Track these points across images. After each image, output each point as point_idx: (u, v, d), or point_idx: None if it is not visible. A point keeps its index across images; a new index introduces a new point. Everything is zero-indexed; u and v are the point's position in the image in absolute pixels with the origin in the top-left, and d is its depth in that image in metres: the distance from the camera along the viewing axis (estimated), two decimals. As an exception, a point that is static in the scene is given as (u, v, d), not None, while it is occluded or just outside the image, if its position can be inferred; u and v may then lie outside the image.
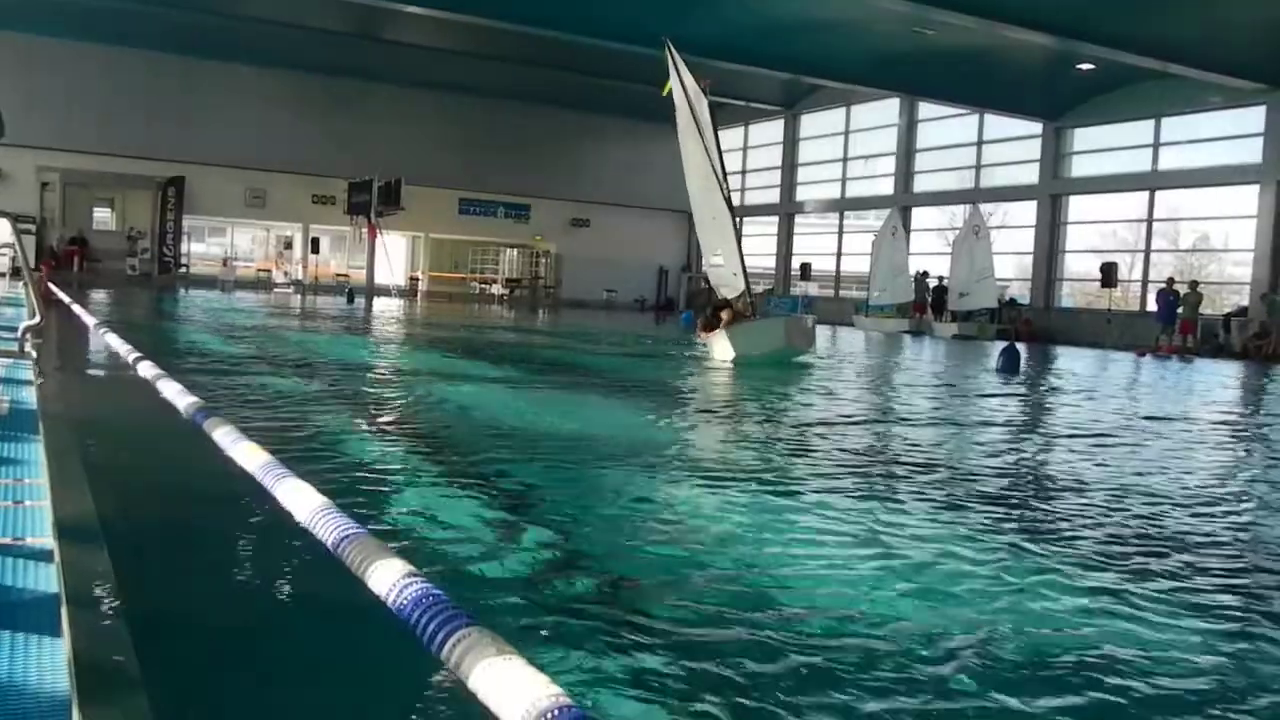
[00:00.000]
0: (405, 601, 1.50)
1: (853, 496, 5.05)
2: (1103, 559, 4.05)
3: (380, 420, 7.13)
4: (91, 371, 8.55)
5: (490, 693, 1.13)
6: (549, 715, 1.05)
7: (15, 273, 11.55)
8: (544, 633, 2.85)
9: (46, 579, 2.29)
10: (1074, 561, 3.98)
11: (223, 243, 41.32)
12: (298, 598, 3.13)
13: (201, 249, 40.33)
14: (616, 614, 3.08)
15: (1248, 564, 4.23)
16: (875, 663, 2.79)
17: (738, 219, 15.75)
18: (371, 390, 9.35)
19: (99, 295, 22.94)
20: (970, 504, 5.04)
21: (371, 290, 35.31)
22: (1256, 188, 26.43)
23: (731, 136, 42.41)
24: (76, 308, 11.07)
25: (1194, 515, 5.11)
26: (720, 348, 14.17)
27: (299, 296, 33.61)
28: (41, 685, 1.77)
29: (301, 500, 2.16)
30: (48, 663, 1.84)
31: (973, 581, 3.62)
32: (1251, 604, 3.60)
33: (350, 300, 30.14)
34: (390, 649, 2.21)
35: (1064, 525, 4.66)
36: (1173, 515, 5.05)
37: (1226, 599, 3.64)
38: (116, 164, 34.18)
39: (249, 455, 2.68)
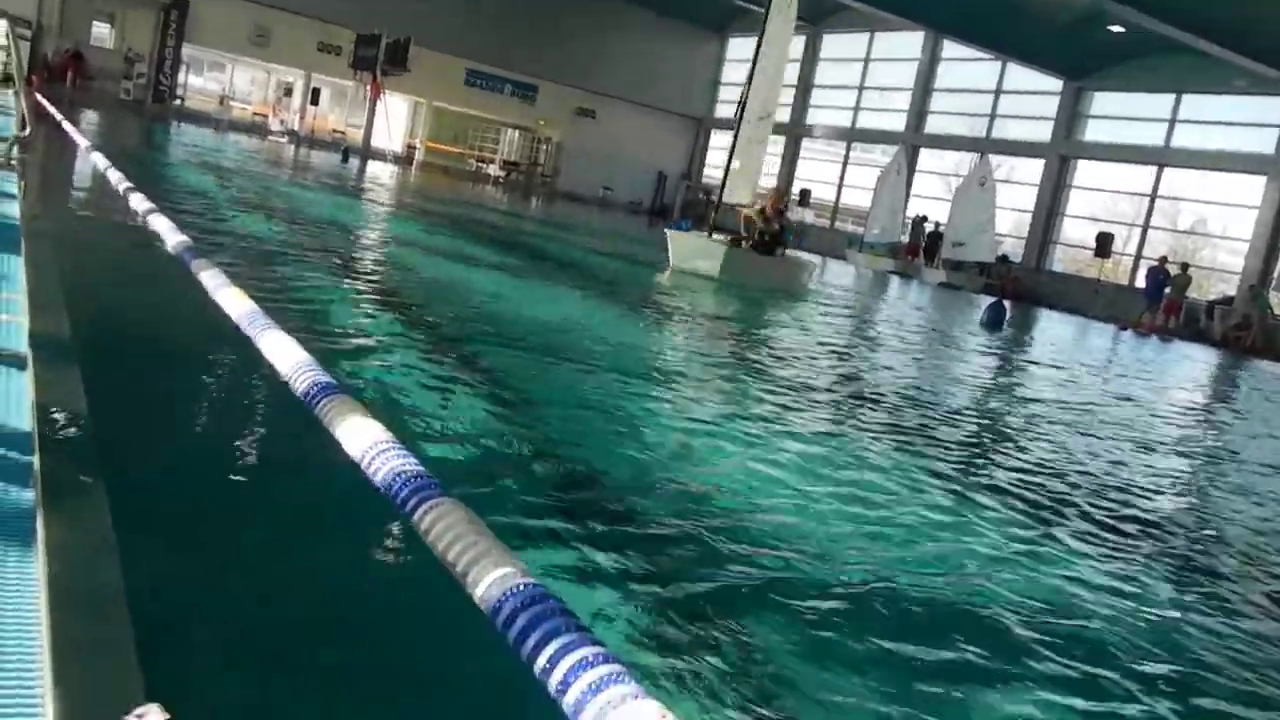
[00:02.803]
0: (379, 465, 1.52)
1: (810, 426, 5.12)
2: (1030, 511, 4.15)
3: (365, 287, 7.10)
4: (77, 192, 8.41)
5: (459, 563, 1.16)
6: (515, 588, 1.08)
7: (6, 80, 11.23)
8: (504, 513, 2.90)
9: (19, 391, 2.30)
10: (1004, 510, 4.07)
11: (221, 79, 40.32)
12: (267, 444, 3.16)
13: (199, 82, 39.33)
14: (573, 503, 3.13)
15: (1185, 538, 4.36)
16: (795, 571, 2.86)
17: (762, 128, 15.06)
18: (359, 255, 9.28)
19: (90, 115, 22.45)
20: (925, 448, 5.12)
21: (367, 152, 34.72)
22: (1264, 179, 26.35)
23: (751, 44, 41.56)
24: (68, 125, 10.85)
25: (1124, 490, 5.23)
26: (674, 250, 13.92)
27: (293, 148, 33.02)
28: (7, 494, 1.79)
29: (283, 352, 2.17)
30: (15, 474, 1.86)
31: (904, 516, 3.71)
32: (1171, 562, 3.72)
33: (345, 159, 29.69)
34: (358, 508, 2.24)
35: (1003, 475, 4.75)
36: (1103, 481, 5.16)
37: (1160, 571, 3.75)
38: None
39: (233, 301, 2.68)
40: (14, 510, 1.74)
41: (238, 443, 3.12)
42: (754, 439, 4.50)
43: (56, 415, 2.14)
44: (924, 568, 3.20)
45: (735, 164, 14.32)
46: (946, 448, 5.23)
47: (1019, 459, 5.33)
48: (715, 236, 14.17)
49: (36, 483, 1.84)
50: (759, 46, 14.23)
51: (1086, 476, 5.22)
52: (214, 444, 3.07)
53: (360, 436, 1.64)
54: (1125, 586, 3.44)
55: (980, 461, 5.10)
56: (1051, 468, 5.25)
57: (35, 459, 1.93)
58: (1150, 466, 6.02)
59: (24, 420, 2.12)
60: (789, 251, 15.28)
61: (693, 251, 13.64)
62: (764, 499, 3.63)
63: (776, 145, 40.98)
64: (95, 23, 34.84)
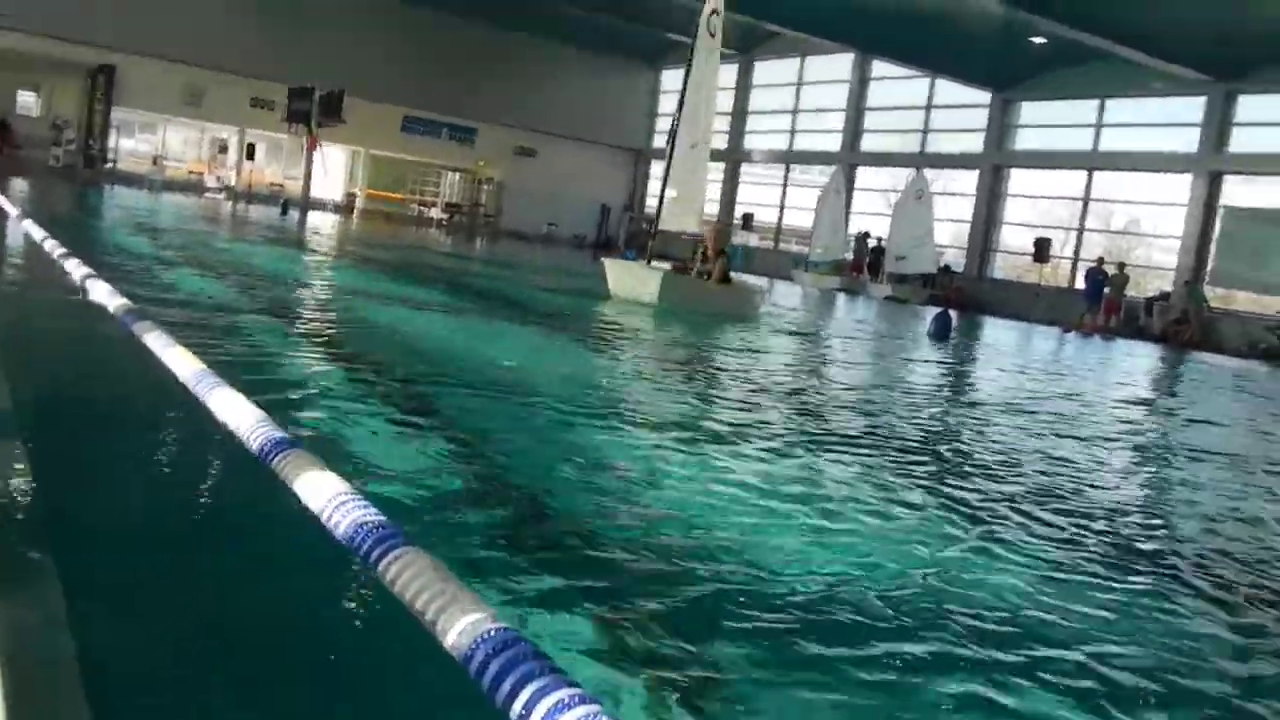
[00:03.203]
0: (340, 518, 1.50)
1: (764, 444, 5.13)
2: (987, 512, 4.19)
3: (313, 338, 7.02)
4: (10, 262, 8.25)
5: (427, 611, 1.14)
6: (486, 634, 1.07)
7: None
8: (469, 556, 2.87)
9: (-39, 471, 2.23)
10: (962, 512, 4.11)
11: (153, 140, 39.89)
12: (225, 506, 3.10)
13: (131, 145, 38.88)
14: (535, 538, 3.10)
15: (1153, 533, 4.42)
16: (759, 588, 2.86)
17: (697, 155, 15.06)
18: (303, 305, 9.19)
19: (20, 184, 22.08)
20: (879, 458, 5.15)
21: (307, 203, 34.49)
22: (1189, 176, 27.07)
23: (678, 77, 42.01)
24: (-4, 195, 10.65)
25: (1083, 482, 5.30)
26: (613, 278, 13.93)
27: (231, 203, 32.71)
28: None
29: (235, 410, 2.13)
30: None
31: (864, 525, 3.72)
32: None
33: (284, 212, 29.45)
34: (322, 562, 2.20)
35: (957, 479, 4.80)
36: (1058, 477, 5.23)
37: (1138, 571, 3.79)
38: (45, 44, 32.56)
39: (180, 361, 2.63)
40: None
41: (192, 505, 3.05)
42: (708, 460, 4.50)
43: (0, 490, 2.08)
44: (887, 575, 3.21)
45: (672, 192, 14.38)
46: (900, 455, 5.27)
47: (973, 461, 5.39)
48: (654, 264, 14.24)
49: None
50: (686, 77, 14.36)
51: (1039, 474, 5.29)
52: (167, 508, 3.01)
53: (319, 490, 1.61)
54: (1077, 577, 3.49)
55: (934, 467, 5.14)
56: (1005, 467, 5.31)
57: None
58: (1100, 460, 6.11)
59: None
60: (737, 277, 15.42)
61: (630, 280, 13.69)
62: (721, 518, 3.63)
63: (716, 172, 41.45)
64: (20, 92, 34.39)
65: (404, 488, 3.44)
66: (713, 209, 41.35)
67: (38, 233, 6.30)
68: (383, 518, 1.43)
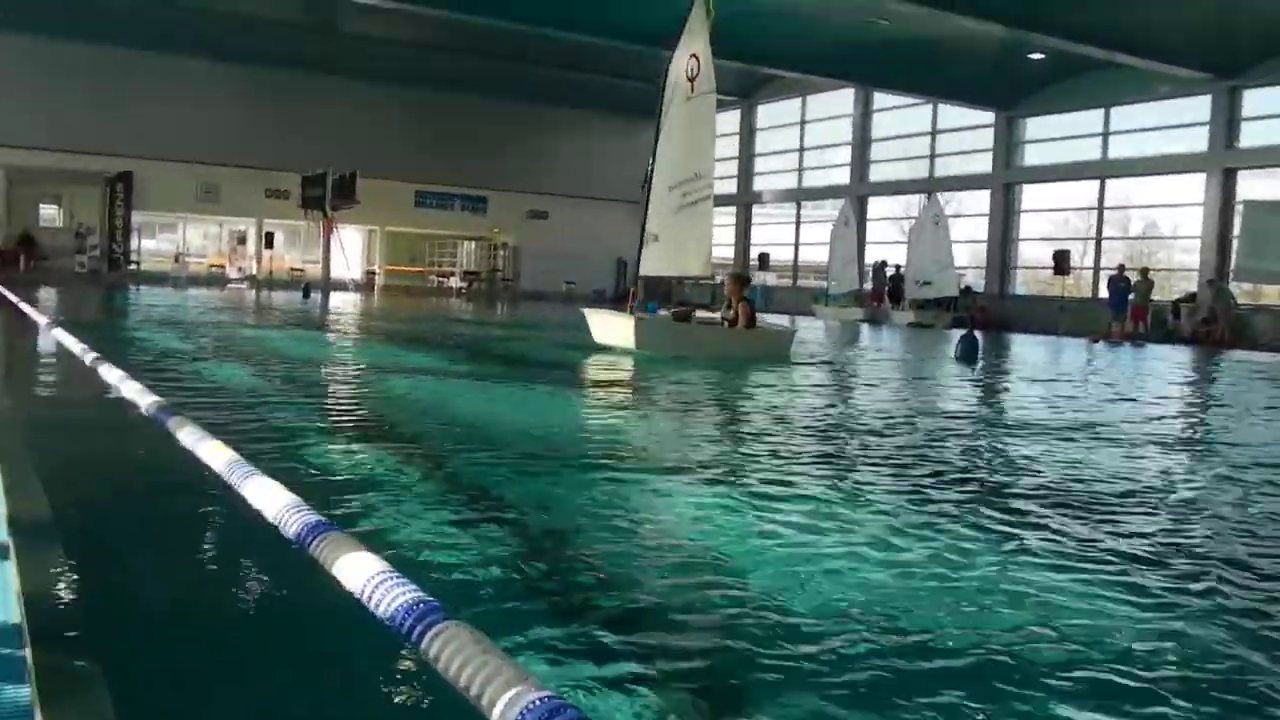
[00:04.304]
0: (380, 597, 1.49)
1: (807, 484, 5.09)
2: (1058, 534, 4.11)
3: (340, 417, 7.06)
4: (42, 370, 8.38)
5: (471, 686, 1.13)
6: (531, 704, 1.05)
7: (-40, 271, 11.35)
8: (513, 626, 2.84)
9: (4, 582, 2.25)
10: (1030, 536, 4.03)
11: (174, 238, 40.67)
12: (267, 596, 3.10)
13: (152, 245, 39.67)
14: (583, 609, 3.08)
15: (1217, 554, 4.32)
16: (824, 646, 2.81)
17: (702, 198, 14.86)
18: (331, 387, 9.26)
19: (47, 294, 22.49)
20: (929, 489, 5.09)
21: (328, 285, 34.92)
22: (1203, 175, 26.94)
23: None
24: (25, 307, 10.85)
25: (1138, 503, 5.21)
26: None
27: (254, 292, 33.16)
28: (1, 693, 1.73)
29: (270, 498, 2.13)
30: (8, 671, 1.81)
31: (927, 563, 3.66)
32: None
33: (306, 296, 29.79)
34: (366, 645, 2.19)
35: (1020, 501, 4.72)
36: (1117, 502, 5.13)
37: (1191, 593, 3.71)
38: (63, 159, 33.46)
39: (213, 453, 2.65)
40: (10, 708, 1.68)
41: (236, 599, 3.05)
42: (752, 507, 4.46)
43: (45, 603, 2.09)
44: (966, 618, 3.13)
45: (655, 235, 14.15)
46: (950, 483, 5.20)
47: (1030, 482, 5.30)
48: (661, 313, 14.23)
49: (30, 677, 1.78)
50: (658, 122, 14.22)
51: (1102, 484, 5.20)
52: (211, 604, 3.01)
53: (357, 570, 1.61)
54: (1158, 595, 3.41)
55: (987, 492, 5.07)
56: (1065, 484, 5.22)
57: (27, 652, 1.87)
58: (1156, 466, 6.01)
59: (11, 613, 2.06)
60: (765, 320, 15.48)
61: (608, 327, 13.71)
62: (768, 569, 3.58)
63: (727, 215, 41.69)
64: (42, 204, 35.26)
65: (445, 566, 3.42)
66: (727, 252, 41.59)
67: (67, 338, 6.40)
68: (421, 594, 1.43)
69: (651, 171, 14.08)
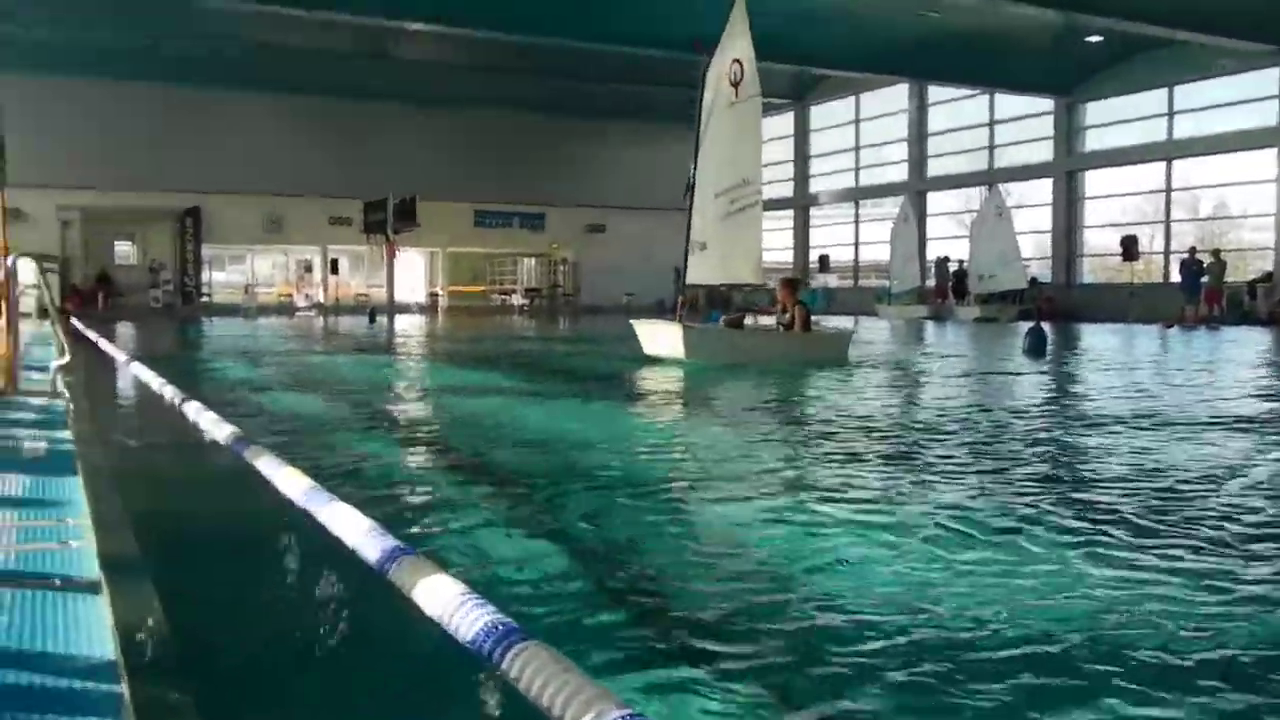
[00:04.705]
0: (460, 620, 1.52)
1: (889, 490, 5.03)
2: (1168, 534, 4.01)
3: (415, 441, 7.16)
4: (123, 405, 8.63)
5: (554, 705, 1.15)
6: (616, 725, 1.06)
7: (43, 312, 11.74)
8: (589, 640, 2.86)
9: (97, 617, 2.31)
10: (1137, 540, 3.94)
11: (243, 269, 41.64)
12: (352, 622, 3.15)
13: (222, 277, 40.67)
14: (665, 627, 3.08)
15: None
16: (914, 650, 2.78)
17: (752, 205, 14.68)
18: (400, 409, 9.39)
19: (125, 329, 23.17)
20: (1023, 490, 5.00)
21: (393, 308, 35.47)
22: (1274, 151, 26.17)
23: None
24: (104, 343, 11.20)
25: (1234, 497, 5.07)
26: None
27: (321, 319, 33.80)
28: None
29: (348, 523, 2.18)
30: (104, 705, 1.86)
31: (1033, 565, 3.60)
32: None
33: (372, 320, 30.27)
34: (451, 666, 2.21)
35: (1126, 503, 4.62)
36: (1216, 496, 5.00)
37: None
38: (135, 198, 34.52)
39: (291, 481, 2.71)
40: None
41: (321, 627, 3.11)
42: (827, 516, 4.42)
43: (138, 638, 2.15)
44: (1094, 622, 3.06)
45: (702, 243, 14.01)
46: (1023, 482, 5.11)
47: (1127, 485, 5.18)
48: (687, 322, 14.02)
49: (127, 711, 1.83)
50: (698, 130, 14.09)
51: (1212, 482, 5.07)
52: (298, 633, 3.07)
53: (437, 594, 1.64)
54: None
55: (1067, 488, 4.97)
56: (1172, 483, 5.08)
57: (123, 686, 1.92)
58: (1237, 455, 5.85)
59: (107, 648, 2.12)
60: (822, 321, 15.28)
61: (658, 338, 13.59)
62: (850, 578, 3.55)
63: (784, 219, 41.49)
64: (117, 242, 36.40)
65: (522, 586, 3.45)
66: (786, 256, 41.39)
67: (146, 373, 6.59)
68: (500, 615, 1.45)
69: (694, 179, 13.94)
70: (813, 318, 14.37)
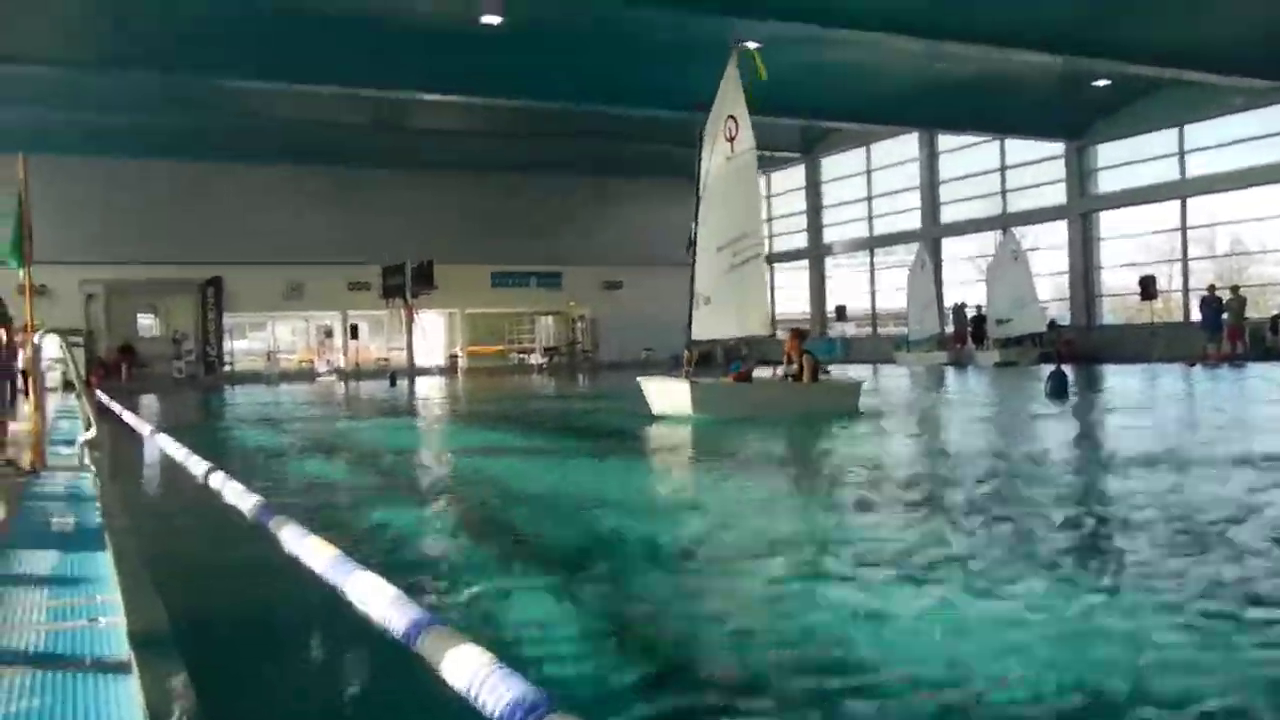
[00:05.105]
0: (488, 693, 1.51)
1: (917, 547, 4.99)
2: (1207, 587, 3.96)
3: (438, 507, 7.16)
4: (150, 478, 8.69)
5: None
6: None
7: (68, 386, 11.88)
8: (617, 707, 2.83)
9: (128, 699, 2.32)
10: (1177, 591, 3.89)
11: (264, 336, 41.99)
12: (379, 698, 3.14)
13: (244, 345, 41.03)
14: (690, 689, 3.05)
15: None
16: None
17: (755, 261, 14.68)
18: (423, 473, 9.41)
19: (149, 400, 23.37)
20: (1056, 544, 4.96)
21: (413, 371, 35.66)
22: (1289, 186, 26.13)
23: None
24: (129, 416, 11.30)
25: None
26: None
27: (342, 384, 34.00)
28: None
29: (373, 592, 2.18)
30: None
31: (1067, 620, 3.56)
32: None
33: (393, 384, 30.40)
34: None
35: (1151, 550, 4.57)
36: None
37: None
38: (156, 271, 35.03)
39: (317, 551, 2.72)
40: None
41: (350, 704, 3.10)
42: (855, 575, 4.39)
43: (168, 716, 2.15)
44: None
45: (707, 297, 14.08)
46: (1079, 537, 5.06)
47: (1159, 530, 5.13)
48: (696, 378, 13.92)
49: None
50: (697, 185, 14.25)
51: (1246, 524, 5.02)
52: (328, 710, 3.06)
53: (464, 665, 1.64)
54: None
55: (1114, 540, 4.92)
56: (1205, 529, 5.03)
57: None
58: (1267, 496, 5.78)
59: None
60: (833, 371, 15.25)
61: (665, 395, 13.53)
62: (884, 642, 3.52)
63: (799, 270, 41.61)
64: (139, 315, 36.86)
65: (550, 654, 3.43)
66: (802, 306, 41.44)
67: (170, 445, 6.64)
68: (529, 687, 1.45)
69: (695, 234, 14.07)
70: (827, 368, 14.33)
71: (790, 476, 8.00)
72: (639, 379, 14.43)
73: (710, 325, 14.18)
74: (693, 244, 14.08)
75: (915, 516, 5.68)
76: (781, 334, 17.33)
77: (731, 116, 14.01)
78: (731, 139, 14.00)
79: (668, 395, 13.47)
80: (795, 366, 13.65)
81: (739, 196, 14.14)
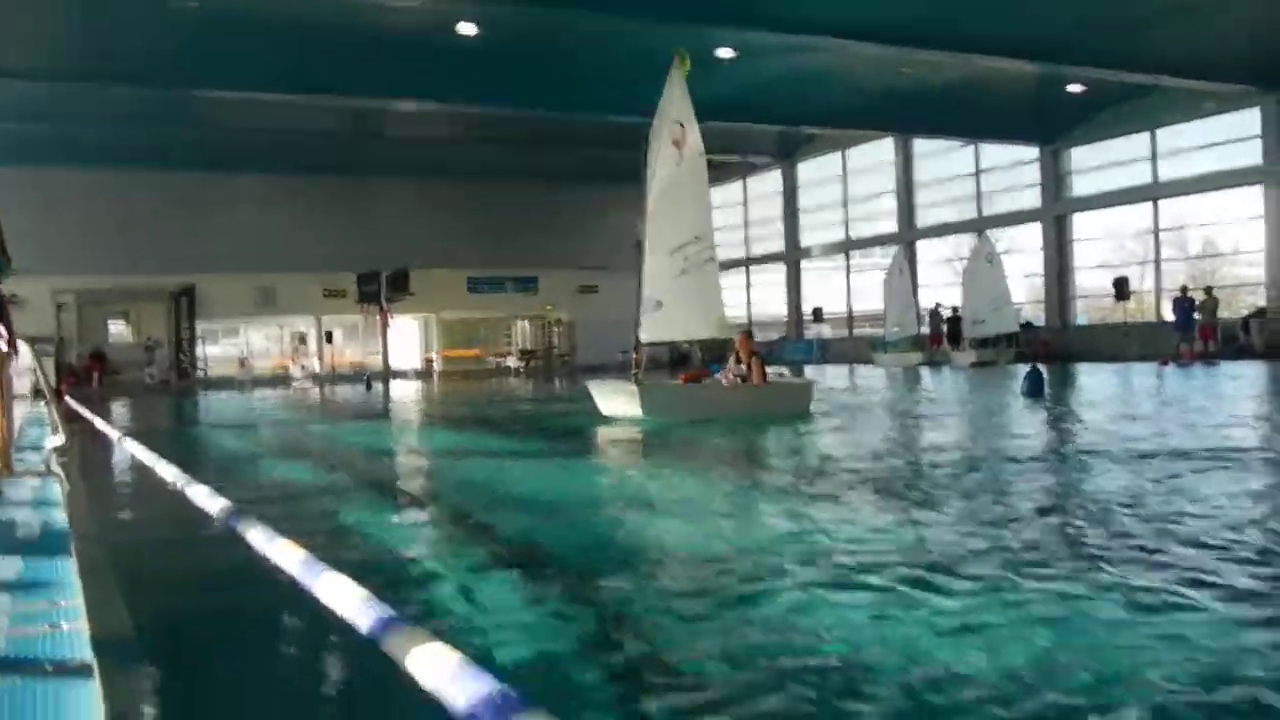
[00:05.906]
0: (458, 691, 1.47)
1: (908, 551, 4.97)
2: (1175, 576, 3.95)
3: (411, 508, 7.10)
4: (118, 484, 8.57)
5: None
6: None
7: (38, 393, 11.74)
8: (586, 705, 2.79)
9: (88, 702, 2.25)
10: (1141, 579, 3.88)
11: (237, 343, 41.72)
12: (347, 698, 3.08)
13: (217, 351, 40.74)
14: (658, 686, 3.01)
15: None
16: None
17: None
18: (396, 475, 9.33)
19: (119, 407, 23.10)
20: (1044, 543, 4.95)
21: (388, 375, 35.50)
22: (1260, 188, 26.42)
23: (731, 190, 42.76)
24: (99, 422, 11.15)
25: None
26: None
27: (317, 389, 33.77)
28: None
29: (341, 593, 2.13)
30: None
31: (1079, 626, 3.54)
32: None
33: (368, 388, 30.25)
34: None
35: (1135, 539, 4.57)
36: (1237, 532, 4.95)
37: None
38: (129, 280, 34.77)
39: (285, 553, 2.66)
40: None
41: (317, 706, 3.04)
42: (835, 579, 4.35)
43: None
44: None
45: (656, 301, 14.01)
46: (1063, 532, 5.05)
47: (1143, 525, 5.13)
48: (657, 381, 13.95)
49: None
50: (645, 189, 14.08)
51: (1220, 514, 5.02)
52: (295, 712, 3.00)
53: (433, 664, 1.59)
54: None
55: (1095, 535, 4.91)
56: (1186, 521, 5.03)
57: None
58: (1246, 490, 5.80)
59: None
60: (781, 373, 15.28)
61: (613, 398, 13.50)
62: (841, 631, 3.49)
63: (777, 272, 41.72)
64: (111, 321, 36.53)
65: (521, 654, 3.38)
66: (779, 309, 41.55)
67: (139, 449, 6.55)
68: (498, 685, 1.40)
69: (643, 238, 14.03)
70: (786, 370, 14.25)
71: (741, 472, 7.98)
72: (587, 383, 14.43)
73: (662, 329, 14.15)
74: (639, 247, 14.09)
75: (884, 509, 5.66)
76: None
77: (678, 121, 13.93)
78: (679, 144, 13.93)
79: (617, 398, 13.44)
80: (743, 367, 13.65)
81: (689, 201, 14.06)
